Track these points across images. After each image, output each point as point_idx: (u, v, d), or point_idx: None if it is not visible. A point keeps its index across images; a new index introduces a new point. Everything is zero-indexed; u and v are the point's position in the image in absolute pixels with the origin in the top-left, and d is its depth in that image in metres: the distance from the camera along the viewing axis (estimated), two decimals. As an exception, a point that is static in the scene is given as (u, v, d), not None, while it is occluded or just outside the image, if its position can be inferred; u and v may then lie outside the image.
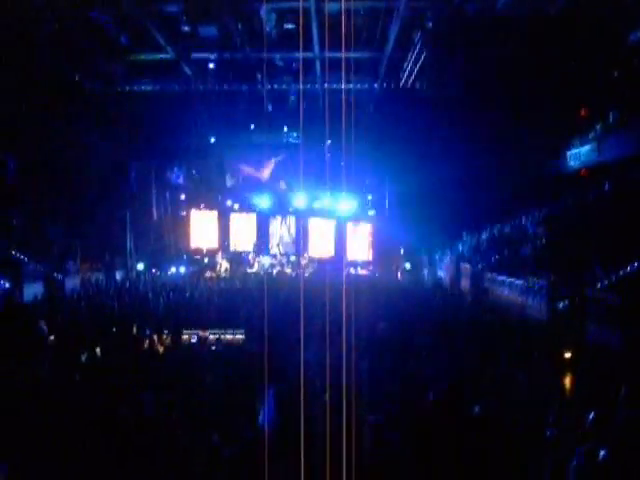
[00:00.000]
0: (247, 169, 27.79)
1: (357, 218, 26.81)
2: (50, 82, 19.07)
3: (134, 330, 12.56)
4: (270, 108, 23.36)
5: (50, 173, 20.30)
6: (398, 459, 5.65)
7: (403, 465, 5.63)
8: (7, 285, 16.90)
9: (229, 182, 27.96)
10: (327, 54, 18.38)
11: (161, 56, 19.98)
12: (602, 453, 5.13)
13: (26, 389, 7.69)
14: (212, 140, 26.11)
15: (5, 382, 8.03)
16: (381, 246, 26.27)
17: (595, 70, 17.92)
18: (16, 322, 12.75)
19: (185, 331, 12.58)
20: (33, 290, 17.37)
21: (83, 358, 10.14)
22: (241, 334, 12.38)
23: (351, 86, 21.39)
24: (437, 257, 23.62)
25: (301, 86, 21.27)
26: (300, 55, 19.05)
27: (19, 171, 20.26)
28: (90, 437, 6.07)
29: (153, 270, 25.01)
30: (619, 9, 15.14)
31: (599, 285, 12.75)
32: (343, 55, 16.21)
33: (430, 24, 16.29)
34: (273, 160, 27.30)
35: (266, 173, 27.66)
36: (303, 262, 26.06)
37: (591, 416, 5.98)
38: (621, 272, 12.72)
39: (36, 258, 18.79)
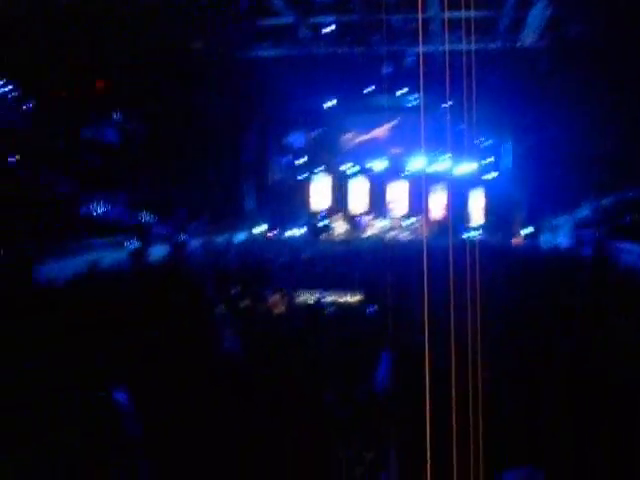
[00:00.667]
0: (364, 132, 27.69)
1: (475, 181, 26.18)
2: (171, 50, 19.61)
3: (252, 291, 12.93)
4: (388, 70, 23.04)
5: (174, 139, 21.03)
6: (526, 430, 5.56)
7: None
8: (135, 246, 17.79)
9: (346, 145, 27.97)
10: (446, 13, 17.86)
11: (279, 21, 20.10)
12: None
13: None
14: (330, 104, 26.13)
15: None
16: (500, 210, 25.58)
17: None
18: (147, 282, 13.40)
19: (302, 292, 12.83)
20: (159, 251, 18.21)
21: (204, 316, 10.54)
22: (358, 297, 12.48)
23: (471, 46, 20.73)
24: (559, 222, 22.75)
25: (420, 47, 20.81)
26: (419, 15, 18.64)
27: (146, 137, 21.13)
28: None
29: (272, 232, 25.57)
30: None
31: None
32: (463, 14, 15.73)
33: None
34: (390, 123, 27.04)
35: (383, 136, 27.47)
36: (419, 226, 25.85)
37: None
38: None
39: (162, 220, 19.66)
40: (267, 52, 22.48)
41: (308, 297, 12.88)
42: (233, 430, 5.76)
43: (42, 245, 14.80)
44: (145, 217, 19.45)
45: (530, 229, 24.36)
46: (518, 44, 19.78)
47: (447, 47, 20.09)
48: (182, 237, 19.90)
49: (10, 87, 17.81)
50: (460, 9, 15.00)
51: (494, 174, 26.24)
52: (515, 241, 23.95)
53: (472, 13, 17.67)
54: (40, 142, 18.16)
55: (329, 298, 12.54)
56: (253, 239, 23.88)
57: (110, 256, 16.06)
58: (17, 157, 17.46)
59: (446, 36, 19.61)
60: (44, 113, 18.46)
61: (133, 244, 17.85)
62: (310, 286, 13.18)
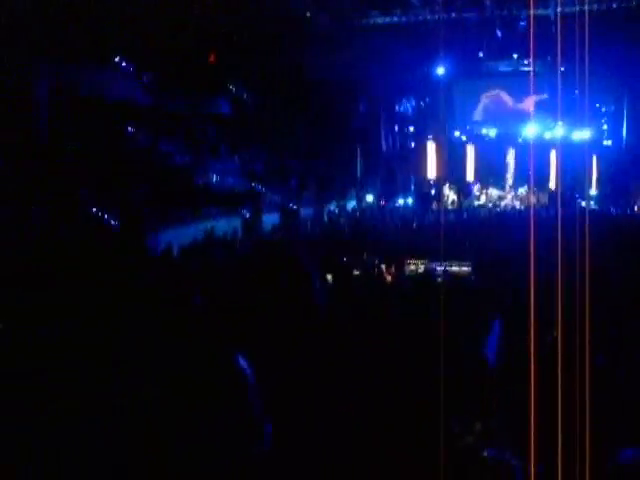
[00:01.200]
0: (477, 99, 27.07)
1: (592, 149, 25.08)
2: (281, 19, 19.77)
3: (364, 257, 13.08)
4: (500, 35, 22.37)
5: (284, 109, 21.35)
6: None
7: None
8: (248, 215, 18.30)
9: (458, 113, 27.46)
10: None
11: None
12: None
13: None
14: (440, 71, 25.67)
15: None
16: (616, 180, 24.43)
17: None
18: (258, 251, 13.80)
19: (412, 261, 12.84)
20: (271, 219, 18.67)
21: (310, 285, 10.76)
22: (467, 267, 12.35)
23: (586, 7, 19.74)
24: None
25: (532, 11, 20.03)
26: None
27: (259, 108, 21.55)
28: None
29: (382, 201, 25.60)
30: None
31: None
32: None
33: None
34: (501, 88, 26.31)
35: (496, 104, 26.75)
36: (533, 195, 25.12)
37: None
38: None
39: (274, 190, 20.10)
40: (376, 20, 22.31)
41: (417, 266, 12.88)
42: (346, 400, 5.92)
43: (160, 213, 15.42)
44: (258, 186, 19.93)
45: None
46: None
47: (559, 10, 19.29)
48: (294, 206, 20.28)
49: (128, 62, 18.56)
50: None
51: (609, 142, 25.06)
52: (633, 212, 22.87)
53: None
54: (159, 114, 18.86)
55: (438, 267, 12.47)
56: (364, 207, 24.01)
57: (225, 224, 16.58)
58: (136, 128, 18.20)
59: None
60: (161, 86, 19.16)
61: (247, 213, 18.36)
62: (419, 256, 13.15)
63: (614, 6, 19.38)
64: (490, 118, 26.75)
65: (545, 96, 25.42)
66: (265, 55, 20.28)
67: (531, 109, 26.03)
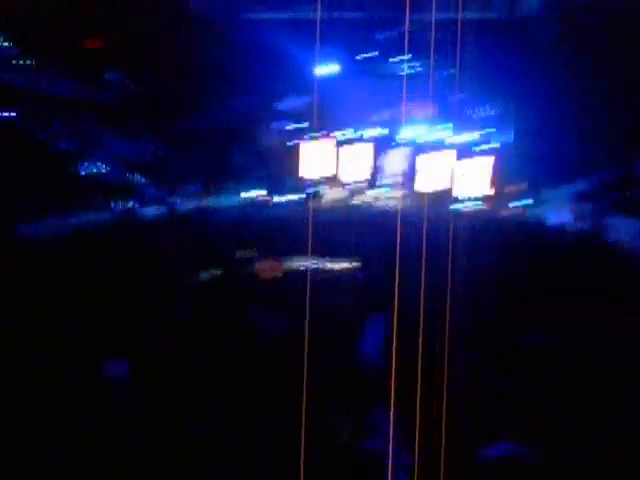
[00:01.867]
0: (360, 99, 27.35)
1: (476, 151, 25.90)
2: (162, 8, 19.18)
3: (246, 254, 12.84)
4: (386, 36, 22.67)
5: (168, 100, 20.72)
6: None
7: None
8: (125, 207, 17.57)
9: (341, 112, 27.64)
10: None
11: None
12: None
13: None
14: (326, 69, 25.70)
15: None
16: (501, 180, 25.39)
17: None
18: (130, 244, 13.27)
19: (293, 258, 12.72)
20: (149, 212, 18.00)
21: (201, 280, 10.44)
22: (348, 263, 12.38)
23: (471, 14, 20.38)
24: (558, 194, 22.63)
25: (415, 15, 20.44)
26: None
27: (141, 98, 20.80)
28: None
29: (263, 197, 25.34)
30: None
31: None
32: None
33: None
34: (387, 89, 26.70)
35: (379, 103, 27.14)
36: (415, 195, 25.65)
37: None
38: None
39: (154, 182, 19.40)
40: (264, 14, 22.06)
41: (298, 263, 12.79)
42: (229, 399, 5.70)
43: (35, 203, 14.66)
44: (138, 179, 19.20)
45: (529, 201, 24.22)
46: (522, 11, 19.41)
47: (443, 15, 19.80)
48: (175, 199, 19.67)
49: (7, 44, 17.57)
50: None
51: (495, 144, 26.00)
52: (513, 213, 23.80)
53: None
54: (38, 99, 17.95)
55: (319, 265, 12.46)
56: (245, 204, 23.67)
57: (102, 216, 15.89)
58: (14, 113, 17.26)
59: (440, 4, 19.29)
60: (43, 70, 18.22)
61: (126, 205, 17.66)
62: (299, 252, 13.05)
63: (500, 13, 20.08)
64: (374, 118, 27.09)
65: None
66: (149, 43, 19.61)
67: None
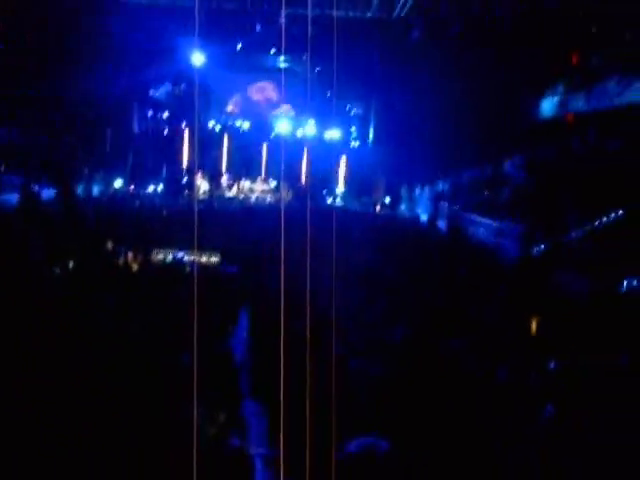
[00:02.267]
0: (232, 91, 27.26)
1: (340, 149, 26.51)
2: None
3: (109, 245, 12.55)
4: (258, 30, 22.74)
5: (29, 83, 19.80)
6: (367, 393, 5.76)
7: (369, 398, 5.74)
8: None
9: (213, 103, 27.44)
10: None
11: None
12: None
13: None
14: (198, 59, 25.43)
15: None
16: (362, 179, 26.15)
17: (586, 18, 17.67)
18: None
19: (160, 250, 12.57)
20: (9, 200, 17.15)
21: (56, 270, 10.13)
22: (217, 257, 12.39)
23: (342, 13, 20.82)
24: (417, 193, 23.63)
25: (290, 9, 20.61)
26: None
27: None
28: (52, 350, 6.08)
29: (131, 187, 24.78)
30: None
31: (574, 233, 12.90)
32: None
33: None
34: (259, 84, 26.78)
35: (252, 96, 27.17)
36: (283, 189, 25.96)
37: (552, 365, 6.16)
38: (597, 222, 12.87)
39: (14, 169, 18.50)
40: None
41: (166, 255, 12.66)
42: (81, 391, 5.60)
43: None
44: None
45: (388, 198, 25.19)
46: (390, 15, 20.09)
47: (317, 12, 20.13)
48: (35, 187, 18.80)
49: None
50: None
51: (357, 143, 26.74)
52: (375, 209, 24.64)
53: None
54: None
55: (188, 257, 12.39)
56: (112, 193, 23.03)
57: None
58: None
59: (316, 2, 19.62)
60: None
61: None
62: (168, 245, 12.92)
63: (369, 15, 20.61)
64: (243, 111, 27.10)
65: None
66: (9, 21, 18.66)
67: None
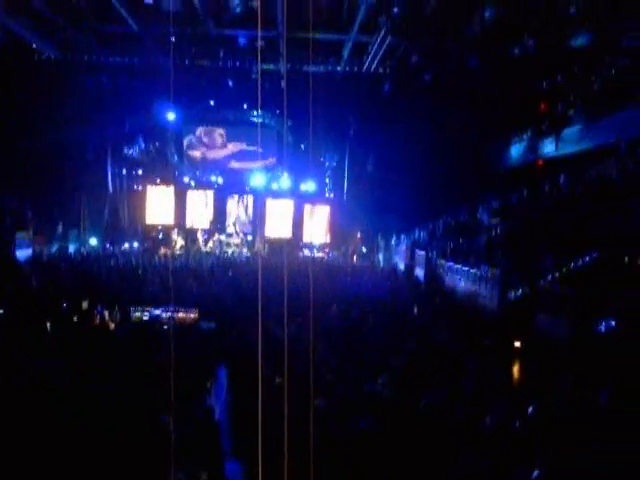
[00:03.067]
0: (205, 146, 27.45)
1: (315, 200, 26.69)
2: (5, 49, 18.47)
3: (84, 305, 12.40)
4: (231, 85, 23.02)
5: (3, 142, 19.81)
6: (348, 443, 5.68)
7: (353, 448, 5.66)
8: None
9: (186, 158, 27.59)
10: (290, 34, 18.07)
11: (124, 29, 19.52)
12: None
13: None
14: (171, 115, 25.69)
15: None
16: (338, 229, 26.31)
17: (553, 67, 18.15)
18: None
19: (137, 308, 12.43)
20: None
21: (32, 332, 9.96)
22: (194, 313, 12.28)
23: (314, 68, 21.20)
24: (393, 242, 23.77)
25: (263, 65, 20.95)
26: (259, 33, 18.75)
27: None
28: (33, 412, 5.97)
29: (107, 245, 24.70)
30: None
31: (550, 276, 12.99)
32: (310, 35, 16.06)
33: (395, 10, 16.20)
34: (233, 138, 27.04)
35: (225, 151, 27.38)
36: (259, 242, 26.00)
37: (530, 409, 6.16)
38: (572, 265, 12.97)
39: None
40: (109, 59, 21.74)
41: (142, 313, 12.52)
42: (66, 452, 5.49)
43: None
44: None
45: (364, 248, 25.36)
46: (360, 68, 20.48)
47: (290, 67, 20.49)
48: (9, 246, 18.64)
49: None
50: (306, 31, 15.34)
51: (331, 194, 26.98)
52: (351, 259, 24.74)
53: (317, 36, 18.14)
54: None
55: (164, 314, 12.28)
56: (87, 251, 22.88)
57: None
58: None
59: (288, 56, 19.97)
60: None
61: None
62: (145, 302, 12.81)
63: (339, 69, 20.99)
64: (210, 165, 27.34)
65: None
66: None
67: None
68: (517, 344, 10.52)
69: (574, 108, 18.01)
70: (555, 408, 6.47)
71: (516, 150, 21.16)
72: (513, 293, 13.39)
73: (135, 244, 25.35)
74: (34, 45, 19.81)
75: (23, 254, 19.17)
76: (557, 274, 12.94)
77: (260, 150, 27.37)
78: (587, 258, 12.83)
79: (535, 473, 5.11)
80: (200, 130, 27.17)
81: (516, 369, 9.23)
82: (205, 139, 27.25)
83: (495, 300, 13.93)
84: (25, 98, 20.17)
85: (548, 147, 19.15)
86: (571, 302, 11.44)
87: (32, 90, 20.19)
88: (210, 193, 27.47)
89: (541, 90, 19.20)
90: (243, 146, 26.91)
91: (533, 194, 18.30)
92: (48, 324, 10.50)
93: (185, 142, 27.31)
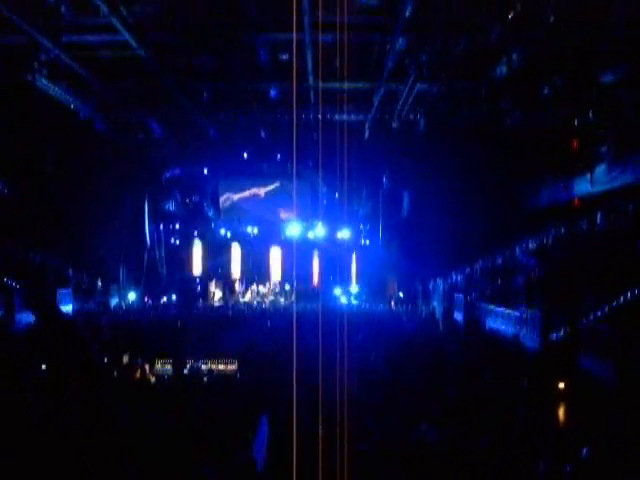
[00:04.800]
0: (241, 198, 27.79)
1: (351, 248, 26.76)
2: (48, 116, 18.95)
3: (125, 359, 12.55)
4: (264, 138, 23.34)
5: (44, 201, 20.29)
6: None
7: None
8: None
9: (222, 211, 27.94)
10: (321, 84, 18.29)
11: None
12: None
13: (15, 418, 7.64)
14: (205, 170, 26.18)
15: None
16: (375, 276, 26.25)
17: (584, 104, 18.08)
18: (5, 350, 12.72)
19: (175, 360, 12.54)
20: (26, 318, 17.24)
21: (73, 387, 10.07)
22: (234, 364, 12.32)
23: (345, 117, 21.39)
24: (431, 287, 23.60)
25: (296, 116, 21.18)
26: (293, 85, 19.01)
27: (13, 198, 20.21)
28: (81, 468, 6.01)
29: (145, 299, 24.98)
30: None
31: (592, 316, 12.77)
32: (340, 85, 16.27)
33: (424, 57, 16.34)
34: (267, 188, 27.35)
35: (260, 203, 27.68)
36: (295, 291, 26.06)
37: (585, 451, 6.01)
38: (614, 303, 12.74)
39: (29, 286, 18.65)
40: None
41: (184, 365, 12.61)
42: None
43: None
44: (12, 283, 18.40)
45: (402, 294, 25.21)
46: (392, 115, 20.56)
47: (322, 117, 20.70)
48: (51, 304, 18.94)
49: None
50: (336, 81, 15.55)
51: (367, 241, 27.01)
52: (390, 306, 24.57)
53: (347, 86, 18.37)
54: None
55: (205, 366, 12.35)
56: (128, 306, 23.19)
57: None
58: None
59: (320, 106, 20.20)
60: None
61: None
62: (185, 355, 12.91)
63: (370, 117, 21.11)
64: (246, 217, 27.61)
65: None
66: (26, 146, 19.33)
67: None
68: (561, 385, 10.29)
69: (608, 144, 17.88)
70: (608, 451, 6.30)
71: (551, 189, 21.00)
72: (555, 334, 13.18)
73: (173, 297, 25.60)
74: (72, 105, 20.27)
75: (64, 310, 19.47)
76: (599, 313, 12.72)
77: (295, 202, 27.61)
78: (629, 295, 12.61)
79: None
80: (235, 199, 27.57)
81: (561, 412, 9.03)
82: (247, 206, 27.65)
83: (536, 342, 13.70)
84: (60, 156, 20.76)
85: (583, 185, 18.97)
86: (615, 341, 11.23)
87: (66, 148, 20.72)
88: (245, 245, 27.76)
89: (574, 128, 19.11)
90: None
91: (570, 232, 18.09)
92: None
93: (221, 200, 27.66)
